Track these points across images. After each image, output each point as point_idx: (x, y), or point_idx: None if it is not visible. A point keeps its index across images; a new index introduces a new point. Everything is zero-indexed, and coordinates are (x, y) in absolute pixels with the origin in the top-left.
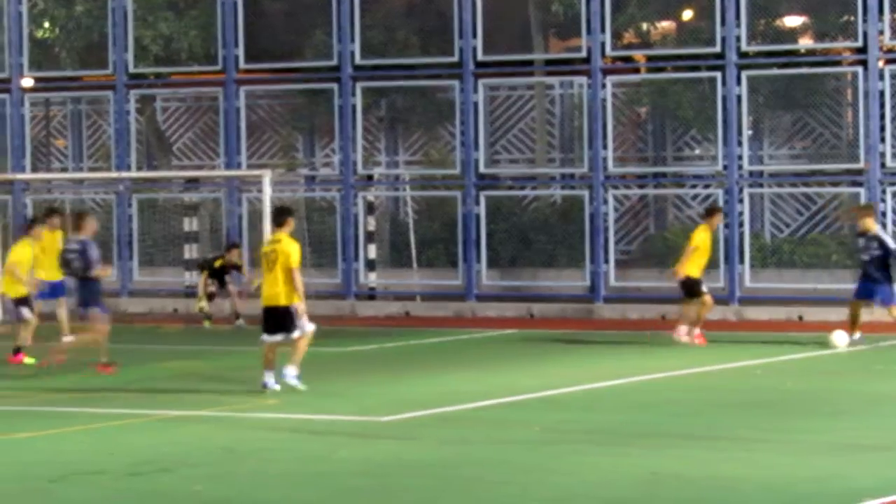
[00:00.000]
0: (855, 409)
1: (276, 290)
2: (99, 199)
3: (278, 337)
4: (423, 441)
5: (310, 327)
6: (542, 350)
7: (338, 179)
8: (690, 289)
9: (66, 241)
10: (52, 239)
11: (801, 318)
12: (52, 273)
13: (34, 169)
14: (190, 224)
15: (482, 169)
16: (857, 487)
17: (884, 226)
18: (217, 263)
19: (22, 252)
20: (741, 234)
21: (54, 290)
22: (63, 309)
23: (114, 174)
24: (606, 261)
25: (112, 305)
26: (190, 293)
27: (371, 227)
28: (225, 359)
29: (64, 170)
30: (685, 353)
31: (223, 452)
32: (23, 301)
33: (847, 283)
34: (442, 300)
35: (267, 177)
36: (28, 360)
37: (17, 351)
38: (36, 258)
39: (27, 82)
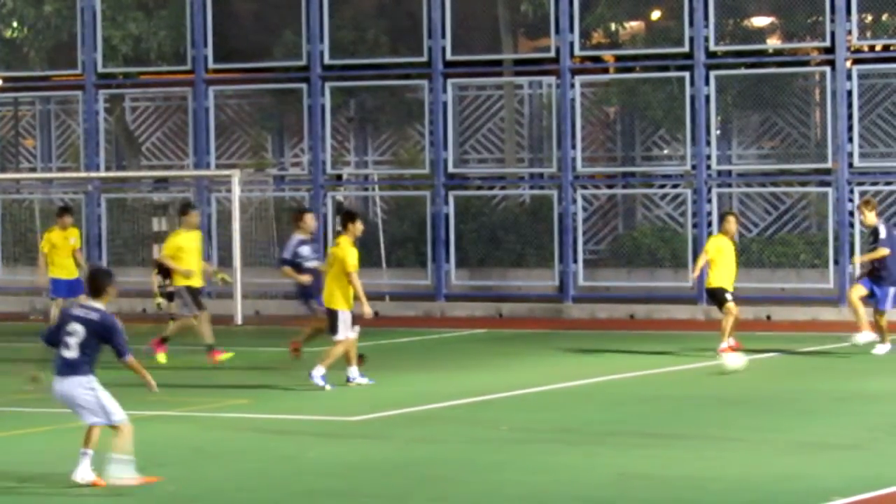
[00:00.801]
0: (822, 408)
1: (327, 292)
2: (68, 199)
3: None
4: (393, 441)
5: (352, 334)
6: (512, 350)
7: (307, 179)
8: (715, 298)
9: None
10: (63, 237)
11: (769, 317)
12: (66, 271)
13: (3, 169)
14: (159, 224)
15: (451, 169)
16: (826, 486)
17: (851, 225)
18: None
19: (176, 241)
20: (709, 234)
21: (71, 289)
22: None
23: (83, 174)
24: (575, 260)
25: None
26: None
27: (340, 227)
28: (192, 358)
29: (33, 170)
30: (654, 353)
31: (192, 452)
32: (197, 292)
33: (815, 283)
34: (411, 300)
35: (236, 177)
36: (225, 356)
37: (211, 349)
38: (48, 255)
39: None
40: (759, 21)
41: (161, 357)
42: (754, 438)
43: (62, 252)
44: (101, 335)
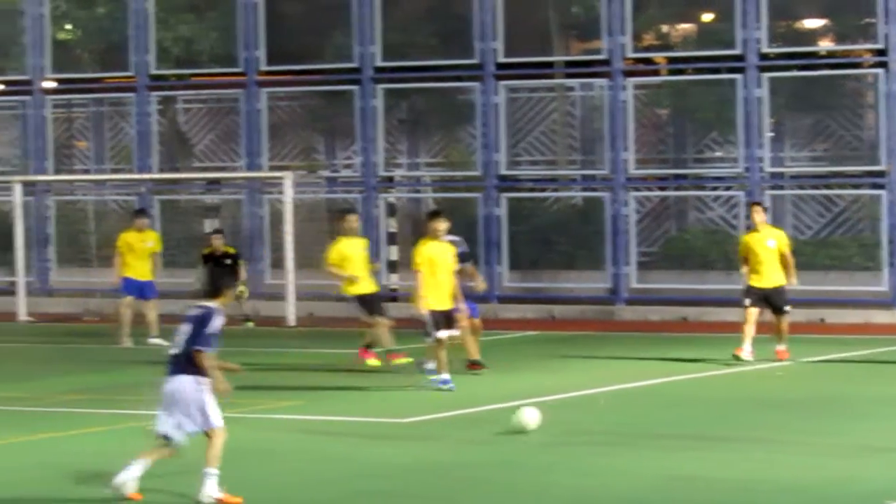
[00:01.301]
0: (874, 411)
1: (414, 294)
2: (121, 201)
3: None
4: (443, 442)
5: (441, 334)
6: (563, 352)
7: (359, 181)
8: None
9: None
10: (139, 239)
11: (822, 320)
12: (138, 272)
13: (56, 171)
14: (211, 225)
15: (503, 171)
16: (877, 489)
17: None
18: (206, 251)
19: (339, 249)
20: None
21: (143, 291)
22: (153, 311)
23: (136, 176)
24: (627, 263)
25: (135, 307)
26: None
27: (392, 229)
28: (241, 359)
29: (86, 171)
30: (704, 356)
31: (241, 454)
32: (367, 300)
33: (868, 286)
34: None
35: (288, 179)
36: (372, 361)
37: (368, 347)
38: (122, 257)
39: (49, 84)
40: (811, 23)
41: (373, 361)
42: (804, 441)
43: (137, 254)
44: (195, 325)
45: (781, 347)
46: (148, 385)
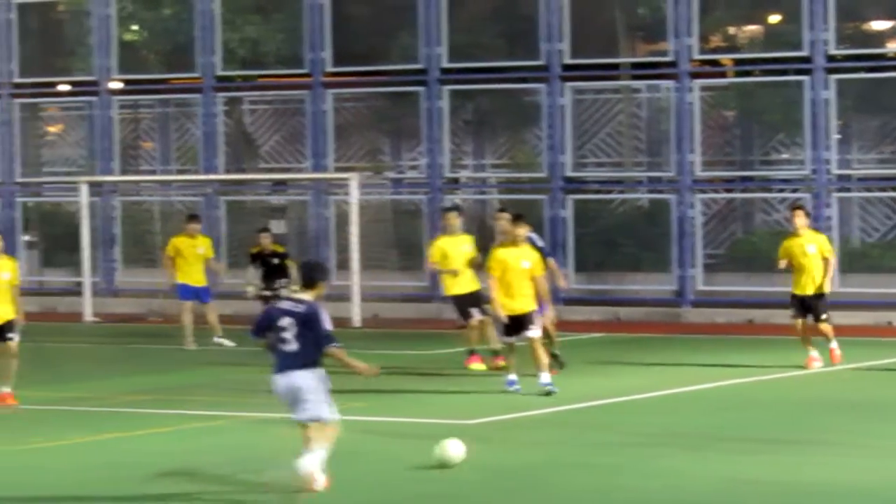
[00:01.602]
0: None
1: None
2: (187, 202)
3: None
4: (507, 444)
5: (510, 339)
6: (629, 354)
7: (424, 182)
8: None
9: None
10: (191, 245)
11: (890, 323)
12: (193, 278)
13: (123, 171)
14: (277, 226)
15: (569, 172)
16: None
17: None
18: (254, 249)
19: (440, 247)
20: (829, 239)
21: (199, 296)
22: (212, 313)
23: (202, 177)
24: (694, 265)
25: (198, 309)
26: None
27: None
28: None
29: (152, 172)
30: (770, 359)
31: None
32: (463, 300)
33: None
34: None
35: (354, 180)
36: (476, 365)
37: (472, 353)
38: (174, 261)
39: (116, 85)
40: (879, 25)
41: (477, 366)
42: (871, 444)
43: (189, 259)
44: (305, 324)
45: (833, 346)
46: (212, 386)
